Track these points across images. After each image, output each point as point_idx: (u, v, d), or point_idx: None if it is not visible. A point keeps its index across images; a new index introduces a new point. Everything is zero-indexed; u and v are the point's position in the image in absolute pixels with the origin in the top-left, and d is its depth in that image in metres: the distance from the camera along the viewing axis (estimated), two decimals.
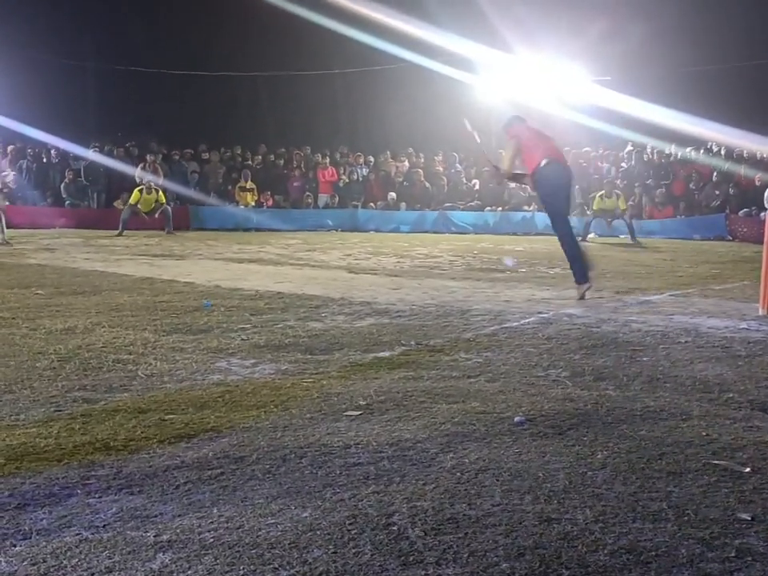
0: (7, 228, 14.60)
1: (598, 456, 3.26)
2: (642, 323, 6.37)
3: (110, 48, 23.31)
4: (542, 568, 2.32)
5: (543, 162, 7.96)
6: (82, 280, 8.93)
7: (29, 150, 20.16)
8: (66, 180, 19.70)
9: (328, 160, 21.50)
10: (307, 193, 20.80)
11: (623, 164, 20.38)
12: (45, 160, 20.31)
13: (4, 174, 18.30)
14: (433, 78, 20.21)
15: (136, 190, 17.59)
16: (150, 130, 21.70)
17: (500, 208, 19.82)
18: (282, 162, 21.92)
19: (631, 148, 20.22)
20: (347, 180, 21.25)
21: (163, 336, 5.74)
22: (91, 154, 19.74)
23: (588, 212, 18.50)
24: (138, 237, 16.09)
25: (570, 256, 7.97)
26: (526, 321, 6.49)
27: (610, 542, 2.48)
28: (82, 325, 6.13)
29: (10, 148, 20.12)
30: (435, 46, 18.58)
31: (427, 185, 20.92)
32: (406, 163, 21.65)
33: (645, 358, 5.10)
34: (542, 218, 19.11)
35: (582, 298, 7.69)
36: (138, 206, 17.39)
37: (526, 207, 19.68)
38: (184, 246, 14.35)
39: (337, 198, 20.79)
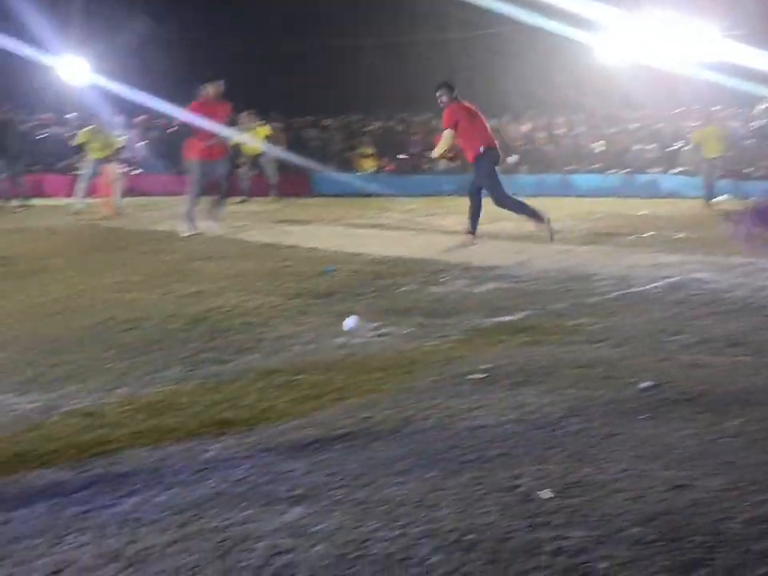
0: (139, 196, 15.17)
1: (732, 423, 3.17)
2: None
3: (229, 21, 23.73)
4: (672, 534, 2.28)
5: (482, 149, 9.60)
6: (209, 246, 9.20)
7: (157, 121, 20.81)
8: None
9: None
10: (426, 158, 20.74)
11: (754, 123, 19.46)
12: (171, 130, 20.94)
13: (133, 144, 18.94)
14: (553, 40, 19.71)
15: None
16: (271, 100, 22.03)
17: (624, 170, 19.28)
18: (401, 127, 21.92)
19: (766, 106, 19.27)
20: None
21: (288, 300, 5.88)
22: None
23: (717, 173, 17.71)
24: (262, 203, 16.44)
25: (519, 211, 9.58)
26: (653, 285, 6.33)
27: (745, 510, 2.42)
28: (211, 289, 6.33)
29: (138, 119, 20.82)
30: (555, 7, 18.13)
31: (548, 147, 20.54)
32: (527, 126, 21.30)
33: None
34: (669, 181, 18.55)
35: (552, 238, 9.01)
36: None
37: (650, 170, 19.08)
38: (306, 212, 14.59)
39: (457, 163, 20.65)
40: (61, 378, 3.93)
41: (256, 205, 16.10)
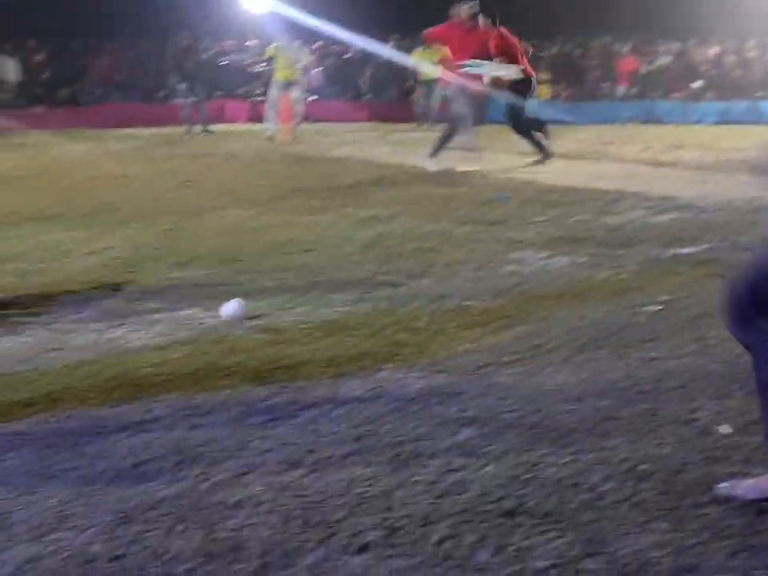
0: (314, 122, 15.42)
1: None
2: None
3: None
4: None
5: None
6: (382, 171, 9.31)
7: (332, 48, 21.02)
8: (366, 74, 20.39)
9: (628, 48, 20.45)
10: (603, 84, 20.01)
11: None
12: (345, 56, 21.12)
13: (310, 71, 19.24)
14: None
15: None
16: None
17: None
18: (578, 52, 21.18)
19: None
20: (648, 69, 20.14)
21: (459, 226, 5.89)
22: (389, 49, 20.18)
23: None
24: (431, 129, 16.39)
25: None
26: None
27: None
28: (383, 214, 6.42)
29: (315, 45, 21.09)
30: None
31: (737, 72, 19.32)
32: (714, 50, 20.09)
33: None
34: None
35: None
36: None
37: None
38: (479, 139, 14.44)
39: (636, 89, 19.82)
40: (244, 294, 4.12)
41: (427, 131, 16.06)
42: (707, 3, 20.06)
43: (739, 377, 2.90)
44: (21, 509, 2.11)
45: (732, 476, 2.19)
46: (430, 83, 15.89)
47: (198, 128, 15.88)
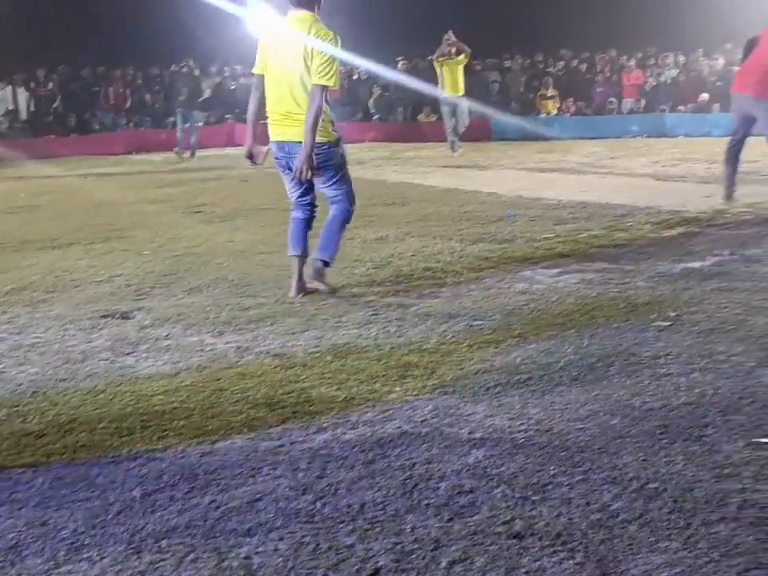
0: None
1: None
2: None
3: None
4: None
5: None
6: (392, 192, 9.34)
7: (340, 69, 21.13)
8: (374, 95, 20.48)
9: (634, 62, 20.48)
10: (611, 99, 20.04)
11: None
12: (353, 77, 21.23)
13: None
14: None
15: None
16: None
17: None
18: (584, 66, 21.23)
19: None
20: (654, 82, 20.15)
21: (468, 245, 5.90)
22: (395, 72, 20.28)
23: None
24: (442, 148, 16.45)
25: None
26: None
27: None
28: (393, 234, 6.45)
29: None
30: None
31: None
32: (721, 61, 20.09)
33: None
34: None
35: None
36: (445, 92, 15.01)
37: None
38: (486, 156, 14.48)
39: (643, 102, 19.83)
40: (254, 319, 4.15)
41: (436, 149, 16.12)
42: (712, 15, 20.09)
43: (748, 392, 2.90)
44: (33, 540, 2.13)
45: (743, 492, 2.18)
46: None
47: (187, 152, 15.74)
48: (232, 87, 20.79)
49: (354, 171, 4.60)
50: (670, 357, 3.32)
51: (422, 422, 2.80)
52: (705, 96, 19.31)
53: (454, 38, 14.88)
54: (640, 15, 22.70)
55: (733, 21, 20.16)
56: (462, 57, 14.85)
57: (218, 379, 3.31)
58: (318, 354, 3.58)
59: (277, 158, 4.81)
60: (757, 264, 4.94)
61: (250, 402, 3.04)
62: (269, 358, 3.55)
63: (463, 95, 14.98)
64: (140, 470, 2.51)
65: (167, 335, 3.95)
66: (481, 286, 4.72)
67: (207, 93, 19.32)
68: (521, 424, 2.73)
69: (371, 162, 13.77)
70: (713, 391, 2.93)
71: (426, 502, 2.24)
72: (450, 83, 14.72)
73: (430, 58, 16.86)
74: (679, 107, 19.64)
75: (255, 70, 4.81)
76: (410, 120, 20.36)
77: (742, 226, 6.26)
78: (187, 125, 15.92)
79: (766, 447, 2.45)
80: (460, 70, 14.97)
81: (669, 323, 3.79)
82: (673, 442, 2.53)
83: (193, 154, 15.66)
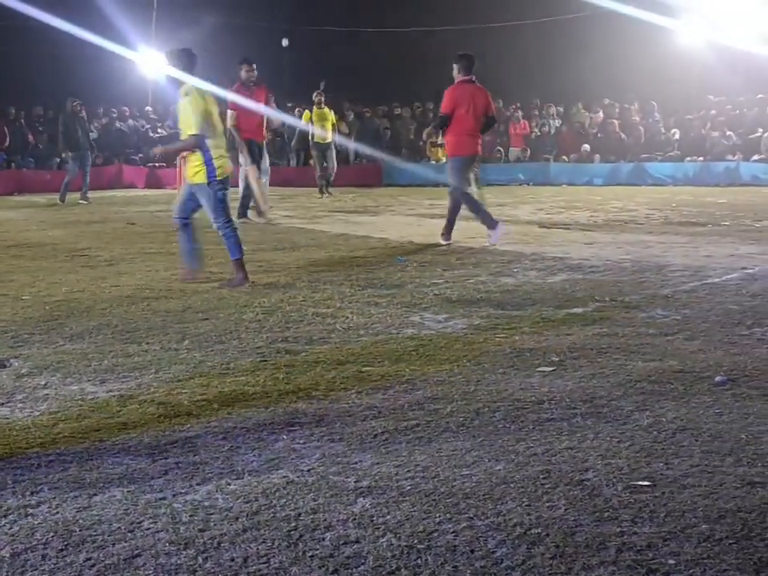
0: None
1: None
2: None
3: (303, 9, 23.88)
4: (744, 532, 2.25)
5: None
6: (282, 236, 9.32)
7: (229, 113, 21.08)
8: (266, 140, 20.47)
9: (520, 113, 21.17)
10: (498, 147, 20.62)
11: None
12: None
13: None
14: (628, 25, 19.33)
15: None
16: (343, 89, 22.13)
17: (701, 158, 18.85)
18: None
19: None
20: (539, 132, 20.87)
21: (359, 290, 5.92)
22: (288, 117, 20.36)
23: None
24: (334, 194, 16.54)
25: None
26: (729, 277, 6.20)
27: None
28: (283, 279, 6.42)
29: None
30: None
31: (622, 135, 20.18)
32: (601, 114, 20.97)
33: None
34: (748, 168, 18.04)
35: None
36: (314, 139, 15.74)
37: (729, 156, 18.60)
38: (377, 202, 14.64)
39: (528, 152, 20.49)
40: (138, 367, 4.04)
41: (325, 196, 16.19)
42: (591, 70, 21.00)
43: (627, 435, 2.99)
44: None
45: (621, 535, 2.23)
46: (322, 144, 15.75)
47: (79, 194, 15.18)
48: (119, 128, 20.47)
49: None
50: (553, 402, 3.40)
51: (309, 470, 2.77)
52: (586, 147, 20.09)
53: (321, 89, 16.09)
54: (524, 67, 23.56)
55: (610, 76, 21.12)
56: (327, 111, 15.73)
57: (99, 429, 3.20)
58: (204, 403, 3.50)
59: None
60: (635, 310, 5.12)
61: (131, 452, 2.95)
62: (152, 407, 3.46)
63: (331, 142, 15.71)
64: (10, 527, 2.39)
65: (45, 384, 3.80)
66: (370, 332, 4.73)
67: (94, 134, 18.90)
68: (407, 471, 2.73)
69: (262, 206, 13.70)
70: (593, 435, 3.00)
71: (310, 553, 2.20)
72: (319, 130, 15.47)
73: (298, 109, 17.57)
74: (562, 157, 20.38)
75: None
76: (302, 165, 20.42)
77: (621, 272, 6.50)
78: (80, 167, 15.31)
79: (644, 490, 2.52)
80: (329, 118, 15.77)
81: (552, 368, 3.88)
82: (555, 486, 2.57)
83: (84, 197, 15.15)
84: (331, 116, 15.75)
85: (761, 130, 18.79)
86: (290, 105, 20.82)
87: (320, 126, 15.36)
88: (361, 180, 19.07)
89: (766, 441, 2.90)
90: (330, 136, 15.49)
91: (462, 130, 8.35)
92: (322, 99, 15.44)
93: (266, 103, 11.12)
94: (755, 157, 18.35)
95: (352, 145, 19.13)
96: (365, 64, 23.82)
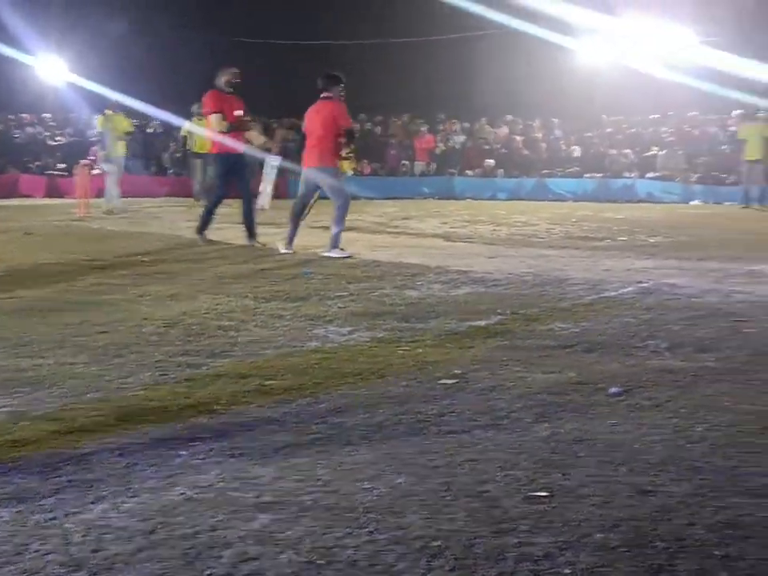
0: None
1: (698, 429, 3.21)
2: (747, 294, 6.19)
3: (212, 19, 23.68)
4: (637, 540, 2.31)
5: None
6: (186, 247, 9.18)
7: (133, 121, 20.69)
8: (170, 150, 20.18)
9: (426, 127, 21.41)
10: (403, 161, 20.80)
11: (731, 127, 19.64)
12: (148, 130, 20.85)
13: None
14: (532, 44, 19.81)
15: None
16: (250, 100, 22.01)
17: (600, 174, 19.41)
18: (379, 129, 21.96)
19: (740, 111, 19.39)
20: (444, 147, 21.15)
21: (263, 303, 5.87)
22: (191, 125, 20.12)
23: (692, 178, 17.99)
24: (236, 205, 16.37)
25: None
26: (625, 290, 6.39)
27: (708, 516, 2.45)
28: (186, 292, 6.32)
29: None
30: (535, 11, 18.21)
31: (525, 151, 20.64)
32: (504, 129, 21.39)
33: (749, 330, 4.96)
34: (644, 185, 18.67)
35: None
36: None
37: (627, 173, 19.21)
38: (284, 214, 14.55)
39: (434, 166, 20.74)
40: (31, 382, 3.90)
41: (233, 207, 16.03)
42: (496, 86, 21.39)
43: (526, 447, 3.03)
44: None
45: (519, 546, 2.26)
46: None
47: None
48: (16, 136, 19.86)
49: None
50: (454, 414, 3.42)
51: (208, 486, 2.71)
52: (490, 162, 20.45)
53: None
54: (430, 83, 23.83)
55: (514, 93, 21.56)
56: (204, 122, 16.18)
57: None
58: (101, 418, 3.40)
59: None
60: (536, 322, 5.22)
61: (21, 470, 2.84)
62: (46, 423, 3.34)
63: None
64: None
65: None
66: (274, 345, 4.69)
67: None
68: (309, 486, 2.71)
69: (166, 217, 13.51)
70: (493, 447, 3.04)
71: (208, 572, 2.16)
72: (199, 140, 16.13)
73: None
74: (467, 171, 20.69)
75: None
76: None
77: (522, 286, 6.62)
78: None
79: (542, 501, 2.56)
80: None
81: (455, 381, 3.91)
82: (456, 498, 2.59)
83: None
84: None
85: (656, 148, 19.48)
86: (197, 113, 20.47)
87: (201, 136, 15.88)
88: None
89: (658, 450, 2.99)
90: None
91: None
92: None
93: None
94: (650, 174, 19.00)
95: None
96: (274, 76, 23.72)
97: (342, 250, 8.50)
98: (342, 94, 9.04)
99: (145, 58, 21.73)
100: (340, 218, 8.62)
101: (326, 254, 8.38)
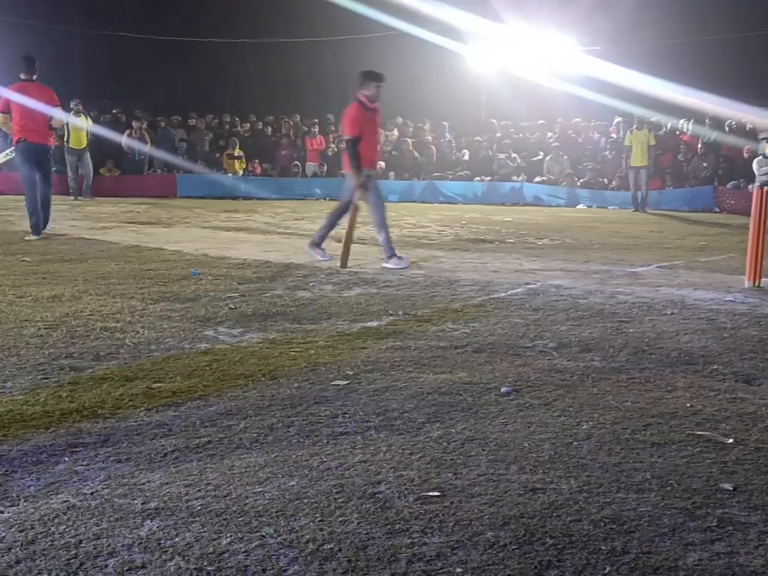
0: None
1: (583, 427, 3.29)
2: (628, 295, 6.40)
3: (97, 13, 23.01)
4: (527, 537, 2.35)
5: None
6: (69, 247, 8.89)
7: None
8: (51, 146, 19.49)
9: (317, 128, 21.36)
10: (295, 162, 20.70)
11: (613, 135, 20.32)
12: None
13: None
14: (422, 47, 20.02)
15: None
16: (137, 97, 21.51)
17: (488, 178, 19.77)
18: (270, 129, 21.79)
19: (620, 119, 20.09)
20: (336, 149, 21.13)
21: (150, 304, 5.73)
22: (73, 118, 19.51)
23: (578, 183, 18.55)
24: (125, 203, 16.00)
25: None
26: (514, 291, 6.51)
27: (594, 511, 2.51)
28: (69, 293, 6.11)
29: None
30: (425, 15, 18.40)
31: (416, 154, 20.82)
32: (395, 132, 21.54)
33: (631, 330, 5.13)
34: (531, 189, 19.11)
35: None
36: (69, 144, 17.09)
37: (514, 177, 19.63)
38: (171, 213, 14.29)
39: (325, 167, 20.70)
40: None
41: (118, 205, 15.65)
42: (386, 88, 21.46)
43: (418, 447, 3.04)
44: None
45: (412, 546, 2.26)
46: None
47: None
48: None
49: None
50: (347, 415, 3.41)
51: (92, 493, 2.62)
52: (381, 164, 20.54)
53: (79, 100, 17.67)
54: (321, 84, 23.83)
55: (405, 96, 21.74)
56: (84, 119, 17.39)
57: None
58: None
59: None
60: (427, 323, 5.26)
61: None
62: None
63: (86, 147, 17.33)
64: None
65: None
66: (162, 347, 4.58)
67: None
68: (198, 490, 2.65)
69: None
70: (386, 448, 3.04)
71: None
72: (74, 137, 17.05)
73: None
74: None
75: None
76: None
77: (414, 287, 6.67)
78: None
79: (434, 500, 2.58)
80: (85, 126, 17.38)
81: (347, 382, 3.90)
82: (348, 500, 2.57)
83: None
84: (87, 123, 17.38)
85: (542, 153, 19.98)
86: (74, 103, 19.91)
87: (76, 132, 16.93)
88: (155, 191, 18.58)
89: (547, 448, 3.05)
90: (85, 142, 17.19)
91: None
92: (80, 108, 17.21)
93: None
94: (537, 178, 19.46)
95: (147, 150, 19.29)
96: (161, 73, 23.24)
97: (399, 258, 7.96)
98: (373, 92, 8.98)
99: (27, 52, 20.90)
100: (380, 223, 8.27)
101: (385, 266, 7.91)
